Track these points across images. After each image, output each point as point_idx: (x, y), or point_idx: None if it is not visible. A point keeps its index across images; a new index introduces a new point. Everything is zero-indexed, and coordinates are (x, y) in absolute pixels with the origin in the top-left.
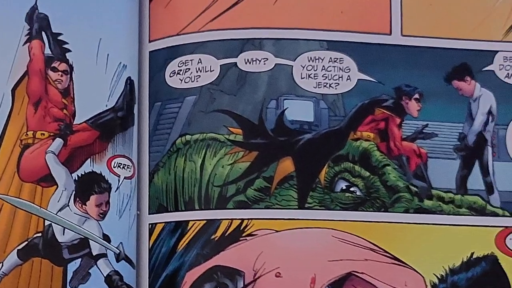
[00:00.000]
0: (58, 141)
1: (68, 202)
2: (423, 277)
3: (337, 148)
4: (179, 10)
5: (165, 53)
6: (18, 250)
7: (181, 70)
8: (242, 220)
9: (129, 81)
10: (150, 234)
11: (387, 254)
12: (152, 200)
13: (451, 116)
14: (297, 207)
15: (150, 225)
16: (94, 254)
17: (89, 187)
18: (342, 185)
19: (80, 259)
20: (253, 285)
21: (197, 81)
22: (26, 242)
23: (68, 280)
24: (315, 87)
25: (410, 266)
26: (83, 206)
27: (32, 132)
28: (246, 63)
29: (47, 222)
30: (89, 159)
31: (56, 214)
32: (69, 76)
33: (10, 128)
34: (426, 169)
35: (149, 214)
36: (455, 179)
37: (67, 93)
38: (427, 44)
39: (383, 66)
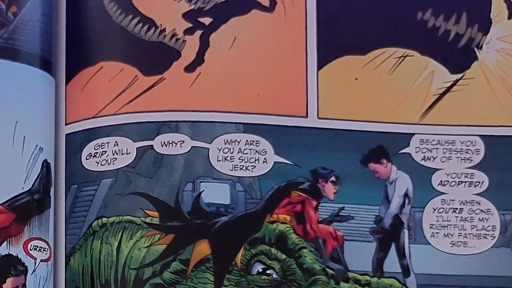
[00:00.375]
0: None
1: None
2: None
3: (253, 230)
4: (96, 93)
5: (82, 136)
6: None
7: (97, 152)
8: None
9: (46, 164)
10: None
11: None
12: (69, 282)
13: (367, 198)
14: None
15: None
16: None
17: (5, 269)
18: (259, 267)
19: None
20: None
21: (113, 164)
22: None
23: None
24: (232, 170)
25: None
26: None
27: None
28: (162, 145)
29: None
30: (5, 242)
31: None
32: None
33: None
34: (342, 251)
35: None
36: (371, 262)
37: None
38: (343, 127)
39: (300, 149)
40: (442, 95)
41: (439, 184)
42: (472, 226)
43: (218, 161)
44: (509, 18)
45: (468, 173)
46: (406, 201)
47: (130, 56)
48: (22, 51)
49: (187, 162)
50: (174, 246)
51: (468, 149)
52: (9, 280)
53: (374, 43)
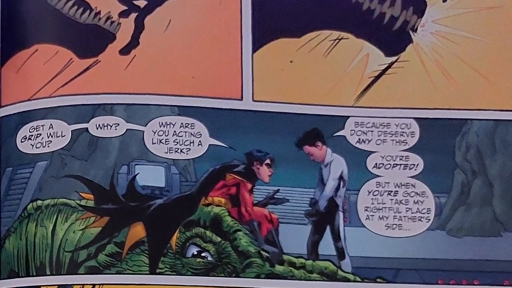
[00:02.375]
0: None
1: None
2: None
3: (188, 213)
4: (31, 75)
5: (17, 118)
6: None
7: (32, 135)
8: (94, 285)
9: None
10: None
11: None
12: (3, 265)
13: (302, 181)
14: (148, 272)
15: None
16: None
17: None
18: (194, 250)
19: None
20: None
21: (48, 147)
22: None
23: None
24: (166, 153)
25: None
26: None
27: None
28: (97, 128)
29: None
30: None
31: None
32: None
33: None
34: (277, 234)
35: (0, 279)
36: (306, 245)
37: None
38: (278, 110)
39: (234, 132)
40: (377, 77)
41: (374, 167)
42: (407, 209)
43: (153, 143)
44: (444, 0)
45: (403, 156)
46: (341, 183)
47: (65, 39)
48: None
49: (122, 144)
50: (109, 228)
51: (403, 132)
52: None
53: (309, 26)
